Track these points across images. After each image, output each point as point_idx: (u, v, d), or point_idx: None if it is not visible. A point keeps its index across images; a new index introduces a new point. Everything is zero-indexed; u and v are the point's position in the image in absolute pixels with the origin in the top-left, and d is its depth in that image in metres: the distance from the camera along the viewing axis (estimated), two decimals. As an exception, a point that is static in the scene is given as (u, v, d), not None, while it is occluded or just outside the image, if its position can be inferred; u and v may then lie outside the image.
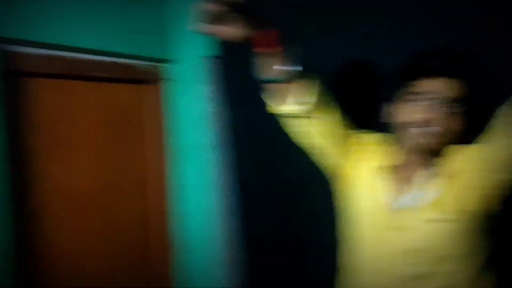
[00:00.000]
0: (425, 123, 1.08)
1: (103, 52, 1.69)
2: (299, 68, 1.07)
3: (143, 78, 1.90)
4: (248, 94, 1.53)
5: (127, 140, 1.87)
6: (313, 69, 1.09)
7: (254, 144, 1.68)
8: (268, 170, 1.66)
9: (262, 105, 1.18)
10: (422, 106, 1.08)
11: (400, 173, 1.17)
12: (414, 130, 1.10)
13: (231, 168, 1.74)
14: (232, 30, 0.94)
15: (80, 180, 1.66)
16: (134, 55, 1.80)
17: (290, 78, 1.07)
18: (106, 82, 1.77)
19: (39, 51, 1.49)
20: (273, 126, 1.25)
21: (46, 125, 1.54)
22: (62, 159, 1.59)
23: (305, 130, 1.18)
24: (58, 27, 1.50)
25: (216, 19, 0.92)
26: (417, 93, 1.10)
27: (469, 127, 1.10)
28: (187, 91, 1.91)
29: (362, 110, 1.34)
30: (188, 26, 1.45)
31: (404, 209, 1.13)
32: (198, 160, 1.87)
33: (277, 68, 1.05)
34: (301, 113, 1.11)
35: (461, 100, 1.08)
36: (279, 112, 1.15)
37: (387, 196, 1.16)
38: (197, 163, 1.88)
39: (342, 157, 1.24)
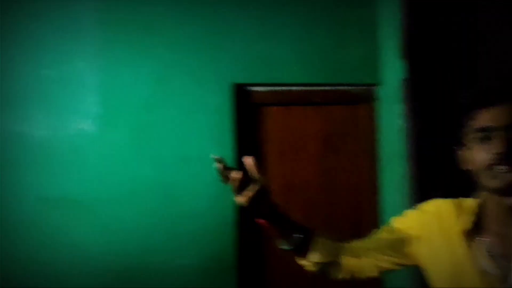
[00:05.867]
0: (503, 159, 0.90)
1: (321, 84, 2.16)
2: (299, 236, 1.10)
3: (356, 100, 2.20)
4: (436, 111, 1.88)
5: (342, 150, 2.21)
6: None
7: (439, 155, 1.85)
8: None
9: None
10: (494, 140, 0.92)
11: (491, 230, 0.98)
12: (495, 170, 0.92)
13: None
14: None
15: (302, 178, 2.15)
16: (348, 82, 2.17)
17: (297, 247, 1.10)
18: (324, 106, 2.19)
19: (268, 88, 2.14)
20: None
21: (277, 138, 2.15)
22: (288, 163, 2.14)
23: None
24: (282, 70, 2.07)
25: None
26: (483, 128, 0.93)
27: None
28: (389, 109, 2.10)
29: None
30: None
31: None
32: (398, 167, 2.05)
33: (281, 244, 1.11)
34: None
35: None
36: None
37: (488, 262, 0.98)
38: (397, 170, 2.06)
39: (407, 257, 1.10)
